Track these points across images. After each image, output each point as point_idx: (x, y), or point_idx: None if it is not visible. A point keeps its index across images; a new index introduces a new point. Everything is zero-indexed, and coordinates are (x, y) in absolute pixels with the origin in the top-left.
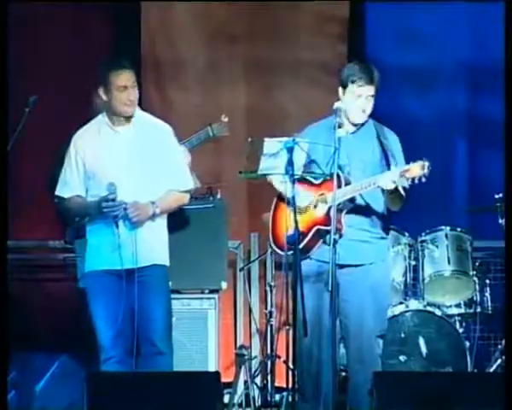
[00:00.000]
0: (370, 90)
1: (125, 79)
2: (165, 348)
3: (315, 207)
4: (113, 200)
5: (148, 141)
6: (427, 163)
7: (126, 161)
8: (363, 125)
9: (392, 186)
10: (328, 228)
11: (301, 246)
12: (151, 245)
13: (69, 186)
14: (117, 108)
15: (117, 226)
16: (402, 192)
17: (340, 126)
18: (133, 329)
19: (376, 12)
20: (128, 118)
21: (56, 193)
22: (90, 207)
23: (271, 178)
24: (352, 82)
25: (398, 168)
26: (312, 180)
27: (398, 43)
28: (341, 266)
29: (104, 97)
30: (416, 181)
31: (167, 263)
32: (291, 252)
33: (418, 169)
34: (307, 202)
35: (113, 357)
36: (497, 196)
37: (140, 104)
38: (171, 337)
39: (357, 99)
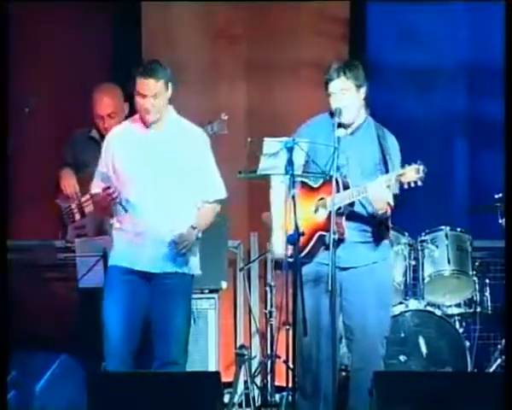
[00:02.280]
0: (340, 83)
1: (144, 87)
2: (181, 358)
3: (315, 212)
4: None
5: (181, 145)
6: (421, 167)
7: (153, 162)
8: (362, 125)
9: (380, 195)
10: (334, 236)
11: (305, 252)
12: (176, 253)
13: (101, 183)
14: (139, 113)
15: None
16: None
17: (339, 126)
18: (143, 333)
19: (377, 12)
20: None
21: (92, 191)
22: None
23: (272, 189)
24: (326, 82)
25: (388, 175)
26: (311, 184)
27: (399, 44)
28: (345, 269)
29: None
30: (412, 185)
31: (193, 272)
32: (291, 259)
33: (413, 173)
34: (308, 207)
35: (119, 357)
36: (496, 196)
37: None
38: (187, 347)
39: (332, 96)
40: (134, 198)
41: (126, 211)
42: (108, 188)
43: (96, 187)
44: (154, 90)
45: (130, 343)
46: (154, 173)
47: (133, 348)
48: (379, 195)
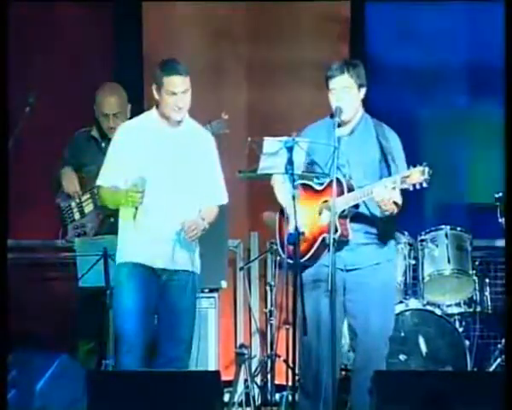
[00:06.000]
0: (343, 80)
1: (175, 84)
2: (186, 355)
3: (319, 214)
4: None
5: (194, 147)
6: (427, 168)
7: (169, 161)
8: (359, 124)
9: (386, 196)
10: (335, 236)
11: (309, 255)
12: (185, 250)
13: (111, 176)
14: (165, 112)
15: (134, 217)
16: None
17: (339, 126)
18: (154, 327)
19: (377, 12)
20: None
21: (98, 183)
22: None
23: (274, 183)
24: (327, 79)
25: (393, 177)
26: (315, 187)
27: (399, 43)
28: (349, 270)
29: (156, 96)
30: (418, 187)
31: (198, 271)
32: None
33: (418, 174)
34: (311, 210)
35: (134, 350)
36: (496, 196)
37: (141, 104)
38: (192, 344)
39: (333, 93)
40: (147, 195)
41: (134, 217)
42: (141, 191)
43: (109, 181)
44: (183, 87)
45: (146, 339)
46: (169, 172)
47: (148, 343)
48: (385, 196)
